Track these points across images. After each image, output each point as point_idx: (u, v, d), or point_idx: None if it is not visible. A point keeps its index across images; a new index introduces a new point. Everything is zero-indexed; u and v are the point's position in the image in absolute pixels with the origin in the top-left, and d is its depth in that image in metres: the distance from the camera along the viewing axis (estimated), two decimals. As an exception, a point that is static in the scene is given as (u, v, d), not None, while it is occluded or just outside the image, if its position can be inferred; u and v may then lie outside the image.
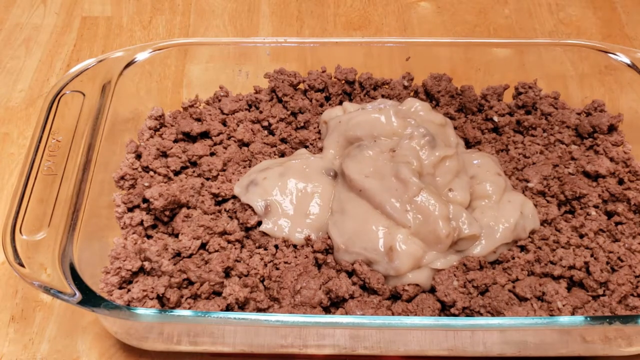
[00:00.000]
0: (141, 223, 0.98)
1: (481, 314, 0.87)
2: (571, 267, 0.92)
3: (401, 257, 0.89)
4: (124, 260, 0.89)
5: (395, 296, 0.92)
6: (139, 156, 1.06)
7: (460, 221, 0.92)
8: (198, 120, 1.13)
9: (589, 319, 0.79)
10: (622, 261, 0.92)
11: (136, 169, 1.04)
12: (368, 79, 1.18)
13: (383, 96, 1.17)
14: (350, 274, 0.92)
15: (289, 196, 0.97)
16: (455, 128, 1.10)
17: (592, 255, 0.93)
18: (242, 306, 0.88)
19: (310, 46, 1.19)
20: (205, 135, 1.11)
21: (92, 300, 0.79)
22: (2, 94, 1.31)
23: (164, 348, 0.92)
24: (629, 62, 1.11)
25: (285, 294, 0.88)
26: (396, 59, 1.21)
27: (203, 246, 0.95)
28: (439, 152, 0.99)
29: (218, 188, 1.01)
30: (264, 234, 0.96)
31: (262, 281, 0.92)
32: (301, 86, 1.19)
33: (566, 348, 0.88)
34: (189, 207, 0.99)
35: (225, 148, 1.08)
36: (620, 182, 1.03)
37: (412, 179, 0.93)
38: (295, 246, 0.96)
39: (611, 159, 1.06)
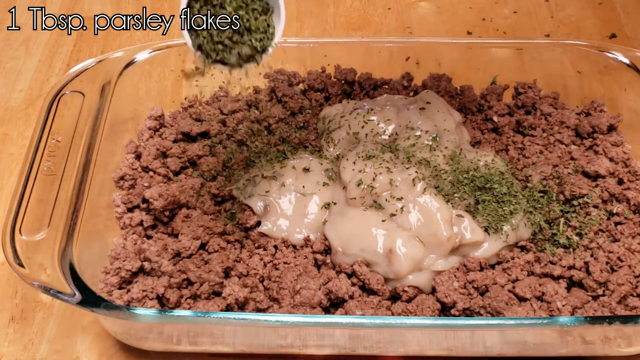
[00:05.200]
0: (141, 223, 0.98)
1: (481, 315, 0.87)
2: (571, 267, 0.92)
3: (401, 260, 0.89)
4: (124, 261, 0.89)
5: (395, 297, 0.92)
6: (138, 156, 1.06)
7: (462, 227, 0.92)
8: (198, 120, 1.13)
9: (588, 319, 0.79)
10: (621, 261, 0.92)
11: (136, 169, 1.04)
12: (368, 79, 1.18)
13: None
14: (350, 275, 0.92)
15: (287, 197, 0.97)
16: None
17: (592, 255, 0.93)
18: (241, 306, 0.88)
19: (310, 46, 1.19)
20: (204, 135, 1.11)
21: (91, 301, 0.79)
22: (1, 94, 1.31)
23: (164, 348, 0.92)
24: (628, 62, 1.11)
25: (284, 294, 0.88)
26: (396, 59, 1.21)
27: (203, 246, 0.95)
28: (446, 153, 0.99)
29: (217, 188, 1.01)
30: (263, 234, 0.96)
31: (262, 281, 0.92)
32: (301, 86, 1.19)
33: (566, 348, 0.88)
34: (188, 208, 0.99)
35: (225, 148, 1.08)
36: (620, 182, 1.03)
37: (415, 179, 0.94)
38: (294, 247, 0.96)
39: (611, 159, 1.06)
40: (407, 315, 0.87)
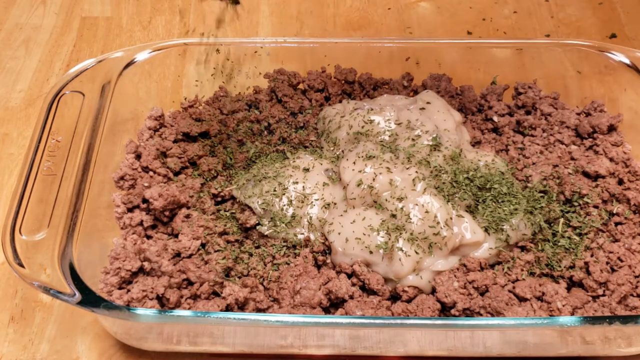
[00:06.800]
0: (141, 223, 0.98)
1: (481, 315, 0.87)
2: (571, 267, 0.92)
3: (401, 260, 0.89)
4: (124, 261, 0.89)
5: (395, 297, 0.92)
6: (138, 156, 1.06)
7: (462, 227, 0.92)
8: (198, 120, 1.13)
9: (588, 319, 0.79)
10: (621, 261, 0.92)
11: (136, 169, 1.04)
12: (368, 79, 1.18)
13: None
14: (350, 275, 0.92)
15: (287, 197, 0.97)
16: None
17: (592, 256, 0.93)
18: (241, 306, 0.88)
19: (310, 46, 1.19)
20: (204, 135, 1.11)
21: (91, 301, 0.79)
22: (1, 94, 1.31)
23: (164, 348, 0.92)
24: (628, 62, 1.11)
25: (284, 295, 0.88)
26: (396, 59, 1.21)
27: (203, 246, 0.95)
28: (446, 153, 0.99)
29: (217, 188, 1.01)
30: (263, 234, 0.96)
31: (262, 281, 0.92)
32: (301, 86, 1.19)
33: (566, 348, 0.88)
34: (188, 208, 0.99)
35: (225, 148, 1.08)
36: (620, 182, 1.03)
37: (415, 180, 0.94)
38: (294, 247, 0.96)
39: (611, 159, 1.06)
40: (407, 315, 0.87)
